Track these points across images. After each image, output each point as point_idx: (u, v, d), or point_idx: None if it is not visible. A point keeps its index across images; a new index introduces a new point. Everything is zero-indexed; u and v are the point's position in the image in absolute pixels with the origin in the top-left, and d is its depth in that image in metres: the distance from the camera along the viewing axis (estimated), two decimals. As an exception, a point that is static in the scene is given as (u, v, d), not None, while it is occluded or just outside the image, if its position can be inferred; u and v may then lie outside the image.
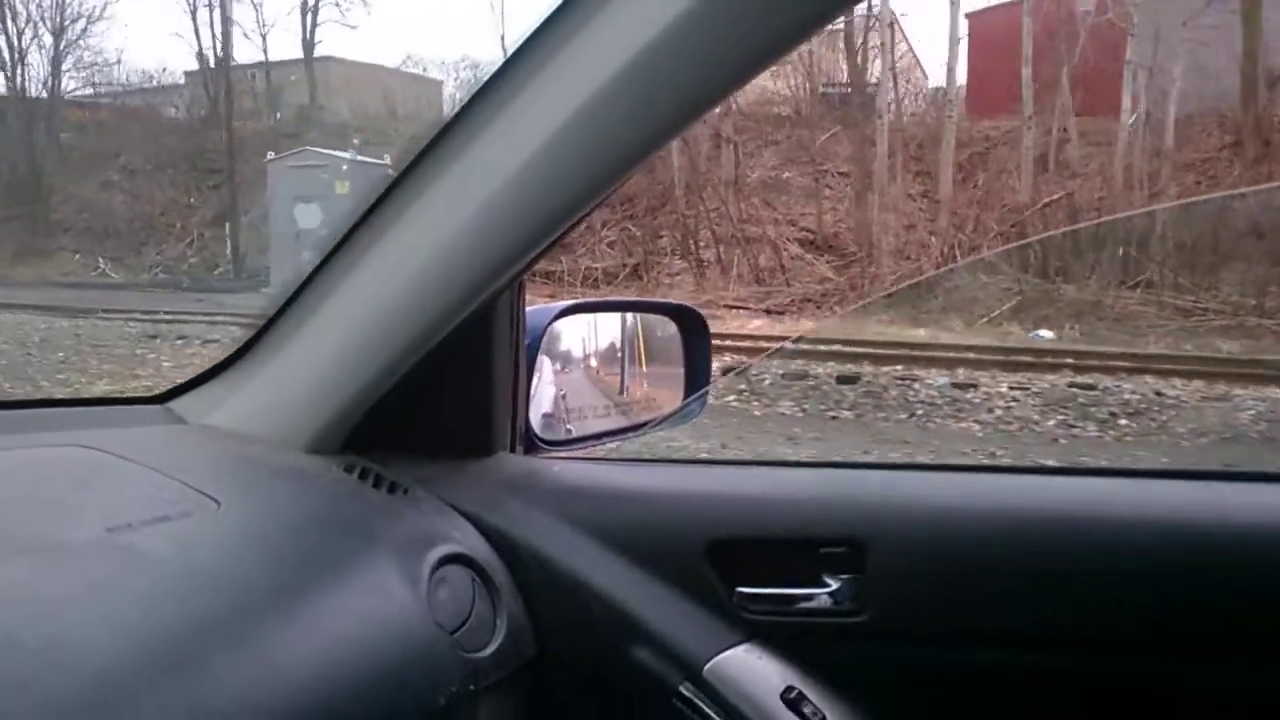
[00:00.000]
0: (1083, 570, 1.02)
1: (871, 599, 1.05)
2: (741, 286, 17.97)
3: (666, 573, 1.08)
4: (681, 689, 1.02)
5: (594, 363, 1.43)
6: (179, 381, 1.20)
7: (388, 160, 17.45)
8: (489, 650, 0.98)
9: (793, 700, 1.02)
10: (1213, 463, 6.41)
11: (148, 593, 0.78)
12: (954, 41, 18.56)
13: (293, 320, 1.09)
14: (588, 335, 1.41)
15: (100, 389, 8.63)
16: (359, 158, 18.65)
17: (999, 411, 7.65)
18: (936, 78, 23.73)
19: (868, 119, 20.36)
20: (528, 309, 1.21)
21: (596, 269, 19.16)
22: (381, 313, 1.03)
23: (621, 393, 1.44)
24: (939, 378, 8.55)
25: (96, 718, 0.67)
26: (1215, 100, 18.00)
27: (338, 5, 39.75)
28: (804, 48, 21.38)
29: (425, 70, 33.69)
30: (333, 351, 1.06)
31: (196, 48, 31.65)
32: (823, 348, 10.01)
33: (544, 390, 1.30)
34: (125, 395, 1.24)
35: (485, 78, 0.94)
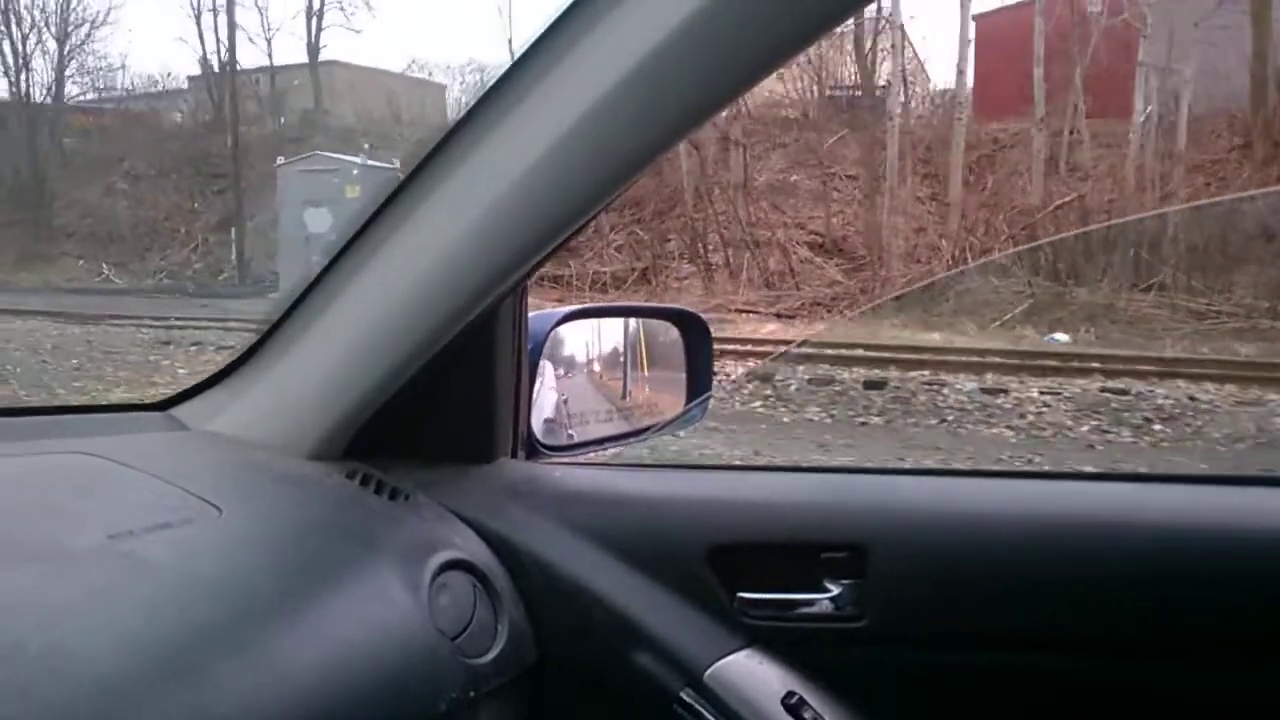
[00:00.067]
0: (1083, 574, 1.01)
1: (872, 604, 1.05)
2: (751, 290, 17.92)
3: (668, 578, 1.08)
4: (682, 695, 1.02)
5: (596, 368, 1.43)
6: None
7: (398, 165, 17.42)
8: (490, 656, 0.98)
9: (794, 706, 1.01)
10: (1251, 468, 6.37)
11: (149, 600, 0.78)
12: (964, 43, 18.49)
13: (295, 327, 1.09)
14: (590, 340, 1.41)
15: (118, 396, 8.56)
16: (370, 162, 18.59)
17: (1031, 417, 7.59)
18: (939, 80, 23.75)
19: (876, 122, 20.32)
20: (530, 314, 1.21)
21: (605, 273, 19.10)
22: (384, 319, 1.02)
23: (624, 398, 1.43)
24: (967, 383, 8.49)
25: None
26: (1225, 101, 17.97)
27: (342, 9, 39.77)
28: (813, 51, 21.38)
29: (431, 75, 33.61)
30: (335, 358, 1.06)
31: (201, 53, 31.53)
32: (829, 351, 9.97)
33: (546, 396, 1.30)
34: (128, 402, 1.25)
35: (491, 82, 0.94)
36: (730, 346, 10.47)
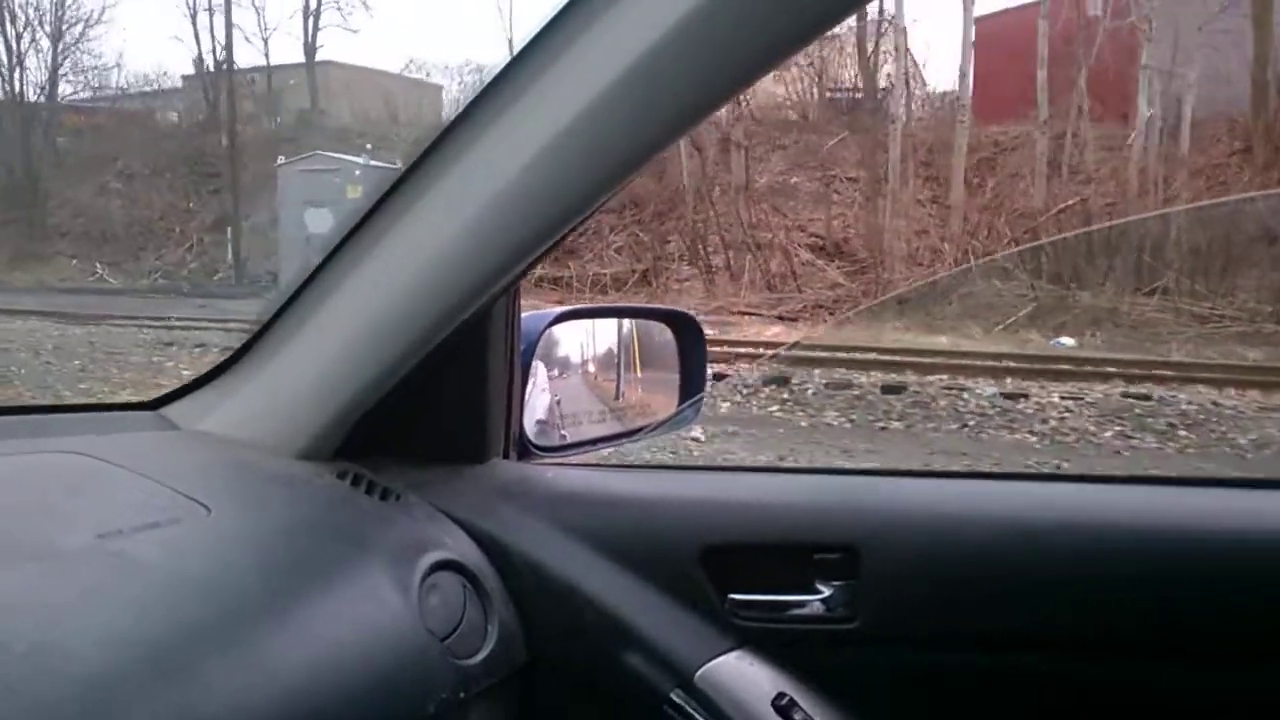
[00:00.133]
0: (1075, 575, 1.01)
1: (864, 605, 1.05)
2: (753, 293, 17.88)
3: (659, 579, 1.07)
4: (673, 696, 1.02)
5: (589, 368, 1.43)
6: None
7: (399, 165, 17.27)
8: (480, 657, 0.97)
9: (784, 707, 1.01)
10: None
11: (138, 599, 0.78)
12: (966, 46, 18.44)
13: (287, 326, 1.08)
14: (582, 341, 1.41)
15: (124, 398, 8.45)
16: (372, 162, 18.49)
17: (1053, 422, 7.52)
18: (935, 82, 23.74)
19: (877, 124, 20.31)
20: (523, 315, 1.21)
21: (605, 275, 19.05)
22: (377, 318, 1.02)
23: (617, 398, 1.43)
24: (986, 387, 8.44)
25: None
26: (1226, 105, 17.99)
27: (339, 9, 39.61)
28: (814, 53, 21.34)
29: (429, 75, 33.49)
30: (327, 357, 1.06)
31: (196, 52, 31.35)
32: (842, 355, 9.93)
33: (538, 396, 1.30)
34: (119, 401, 1.22)
35: (486, 82, 0.93)
36: (743, 350, 10.39)
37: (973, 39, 18.69)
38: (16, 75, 28.39)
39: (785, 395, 8.69)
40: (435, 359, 1.05)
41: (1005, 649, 1.04)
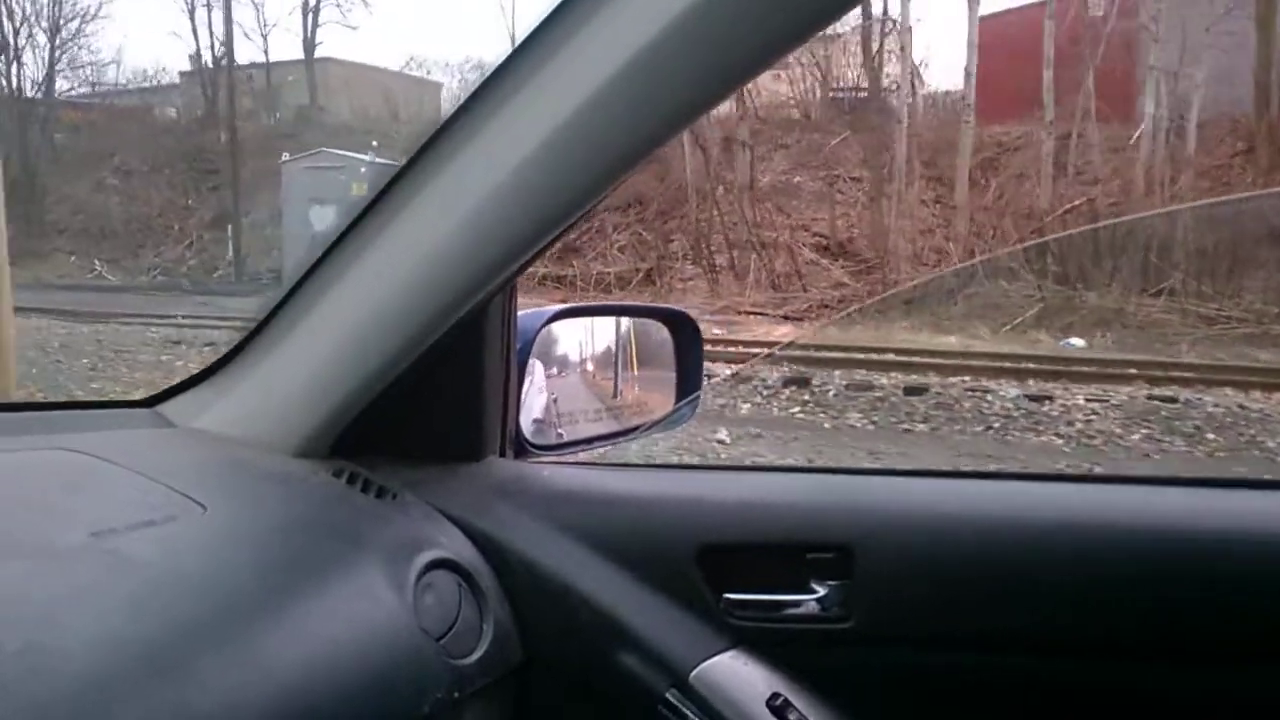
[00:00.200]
0: (1071, 575, 1.01)
1: (859, 605, 1.04)
2: (758, 292, 17.85)
3: (655, 578, 1.07)
4: (668, 695, 1.02)
5: (585, 367, 1.42)
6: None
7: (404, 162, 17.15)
8: (475, 656, 0.97)
9: (779, 707, 1.01)
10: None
11: (133, 597, 0.77)
12: (971, 45, 18.40)
13: (283, 324, 1.08)
14: (579, 339, 1.41)
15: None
16: (377, 160, 18.40)
17: (1079, 425, 7.50)
18: (934, 82, 23.73)
19: (880, 123, 20.29)
20: (519, 313, 1.21)
21: (609, 273, 19.01)
22: (373, 316, 1.02)
23: (615, 397, 1.43)
24: (1010, 389, 8.41)
25: None
26: (1229, 106, 18.02)
27: (339, 6, 39.47)
28: (819, 52, 21.33)
29: (429, 73, 33.48)
30: (322, 355, 1.05)
31: (194, 48, 31.19)
32: (838, 354, 9.89)
33: (535, 394, 1.29)
34: (114, 399, 1.22)
35: (481, 80, 0.93)
36: (755, 350, 10.33)
37: (975, 40, 18.64)
38: (13, 71, 28.31)
39: (806, 397, 8.65)
40: (431, 357, 1.04)
41: (1000, 649, 1.04)
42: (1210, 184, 17.59)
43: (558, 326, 1.33)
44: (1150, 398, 7.98)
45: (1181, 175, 17.37)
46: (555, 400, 1.33)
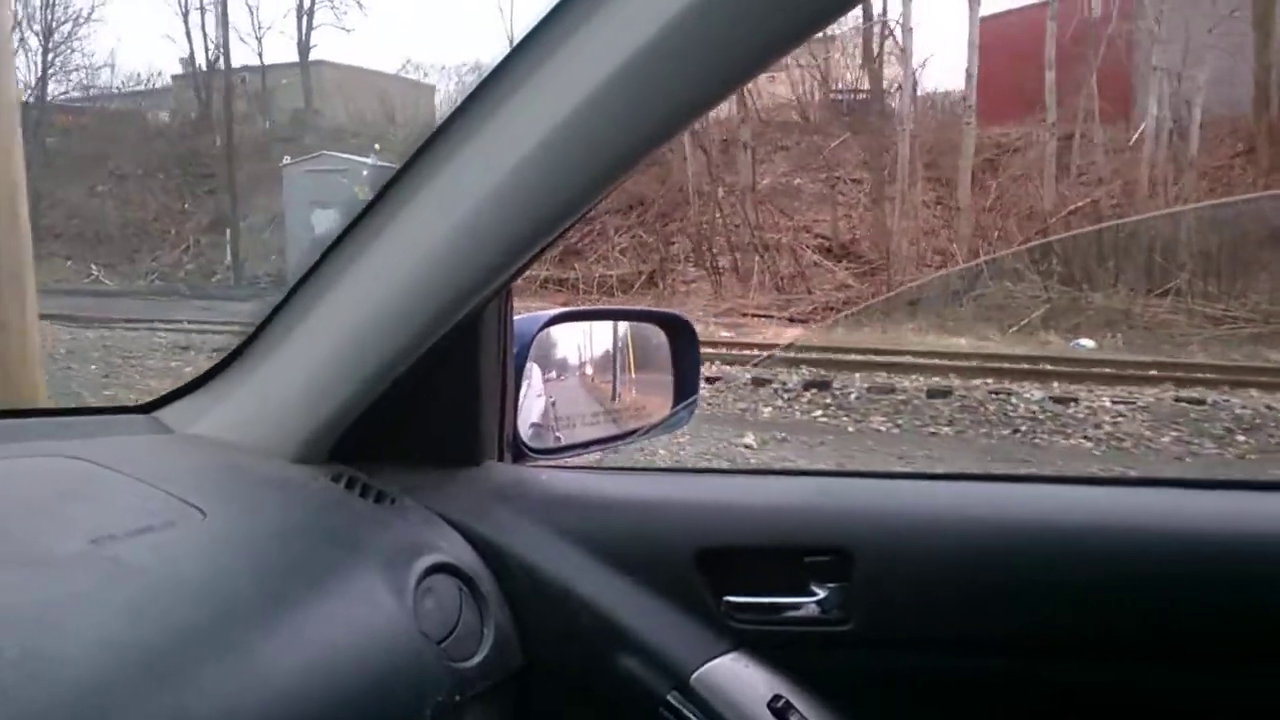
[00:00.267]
0: (1069, 578, 1.01)
1: (858, 608, 1.05)
2: (762, 294, 17.82)
3: (654, 582, 1.07)
4: (669, 698, 1.02)
5: (583, 371, 1.43)
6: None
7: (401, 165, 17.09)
8: (475, 660, 0.97)
9: (780, 709, 1.01)
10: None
11: (132, 603, 0.78)
12: (972, 46, 18.38)
13: (280, 329, 1.08)
14: (577, 343, 1.41)
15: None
16: (380, 163, 18.32)
17: (1107, 427, 7.46)
18: (931, 83, 23.73)
19: (881, 124, 20.27)
20: (515, 317, 1.20)
21: (611, 276, 18.97)
22: (370, 321, 1.02)
23: (613, 400, 1.43)
24: (1034, 391, 8.37)
25: None
26: (1228, 107, 18.04)
27: (333, 9, 39.33)
28: (820, 54, 21.31)
29: (425, 76, 33.31)
30: (320, 360, 1.05)
31: (188, 51, 31.01)
32: (842, 356, 9.84)
33: (532, 399, 1.29)
34: (112, 405, 1.14)
35: (478, 81, 0.92)
36: (765, 353, 10.25)
37: (976, 40, 18.61)
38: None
39: (828, 400, 8.60)
40: (429, 361, 1.04)
41: (999, 651, 1.03)
42: (1211, 185, 17.61)
43: (555, 331, 1.34)
44: (1177, 400, 7.95)
45: (1184, 176, 17.38)
46: (553, 404, 1.34)
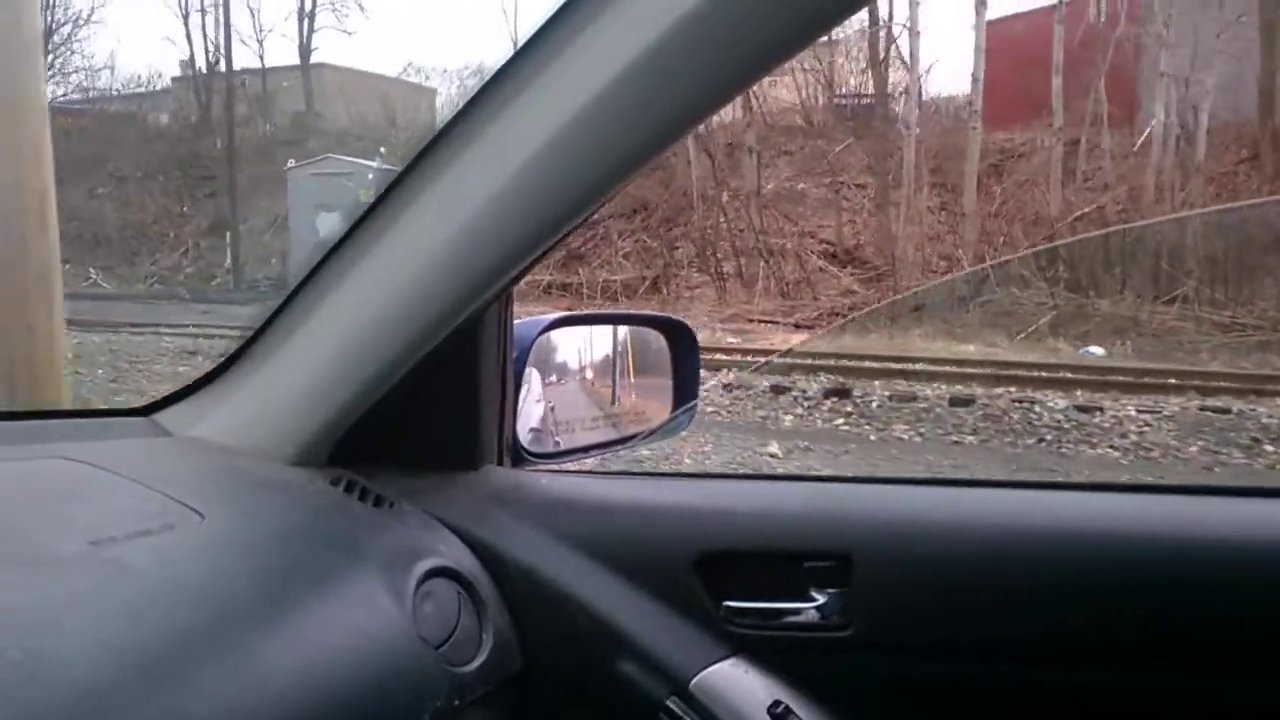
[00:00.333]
0: (1070, 583, 1.00)
1: (858, 613, 1.04)
2: (767, 300, 17.77)
3: (654, 586, 1.07)
4: (668, 703, 1.01)
5: (582, 375, 1.42)
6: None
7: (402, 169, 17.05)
8: (474, 664, 0.97)
9: (779, 715, 1.01)
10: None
11: (131, 605, 0.78)
12: (979, 51, 18.34)
13: (279, 332, 1.08)
14: (577, 347, 1.41)
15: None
16: (385, 166, 18.23)
17: (1133, 436, 7.40)
18: (939, 88, 23.69)
19: (886, 129, 20.25)
20: (515, 321, 1.21)
21: (615, 281, 18.93)
22: (370, 324, 1.02)
23: (612, 404, 1.43)
24: (1058, 400, 8.31)
25: None
26: (1233, 113, 18.04)
27: (334, 11, 39.26)
28: (825, 59, 21.28)
29: (427, 79, 33.21)
30: (319, 364, 1.05)
31: (188, 53, 30.88)
32: (835, 363, 9.76)
33: (532, 403, 1.29)
34: (111, 407, 1.09)
35: (480, 84, 0.92)
36: (801, 360, 10.12)
37: (982, 44, 18.57)
38: (4, 76, 27.93)
39: (849, 408, 8.54)
40: (429, 364, 1.04)
41: (1000, 657, 1.03)
42: (1217, 191, 17.60)
43: (554, 335, 1.34)
44: (1202, 409, 7.89)
45: (1190, 182, 17.37)
46: (552, 408, 1.34)
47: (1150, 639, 0.99)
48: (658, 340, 1.47)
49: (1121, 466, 6.93)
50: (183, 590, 0.82)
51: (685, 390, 1.45)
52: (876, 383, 9.16)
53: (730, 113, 19.28)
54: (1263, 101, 18.01)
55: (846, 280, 18.35)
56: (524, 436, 1.25)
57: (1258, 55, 17.84)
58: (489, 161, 0.92)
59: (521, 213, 0.92)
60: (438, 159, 0.95)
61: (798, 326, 16.30)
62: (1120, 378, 9.18)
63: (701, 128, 17.55)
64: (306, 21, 30.69)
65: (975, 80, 18.41)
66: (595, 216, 1.03)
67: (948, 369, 9.80)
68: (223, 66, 27.62)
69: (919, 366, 9.96)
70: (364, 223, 1.00)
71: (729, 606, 1.06)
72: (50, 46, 28.74)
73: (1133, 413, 7.86)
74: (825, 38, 0.77)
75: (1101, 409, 8.01)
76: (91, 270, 24.13)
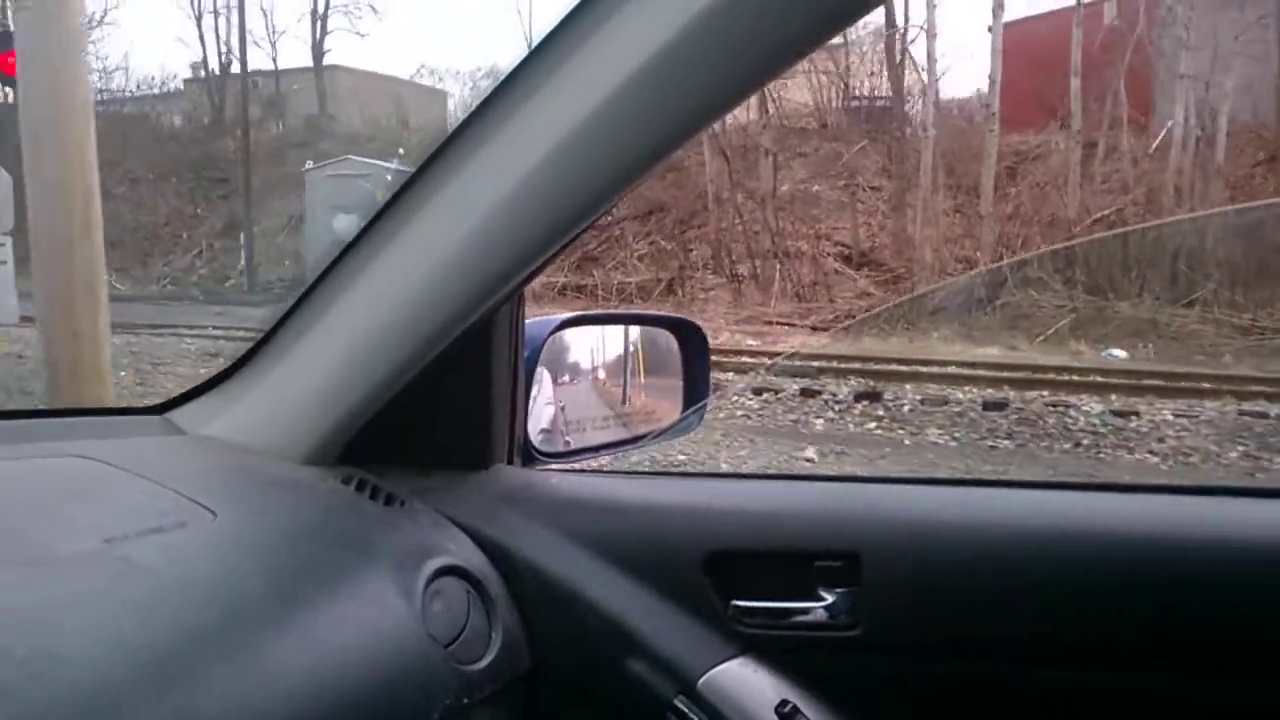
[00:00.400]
0: (1078, 583, 1.00)
1: (866, 612, 1.04)
2: (783, 302, 17.71)
3: (663, 586, 1.07)
4: (676, 702, 1.01)
5: (593, 375, 1.43)
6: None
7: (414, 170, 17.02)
8: (484, 663, 0.98)
9: (787, 714, 1.01)
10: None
11: (141, 603, 0.78)
12: (996, 53, 18.26)
13: (293, 331, 1.08)
14: (587, 347, 1.42)
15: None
16: (402, 167, 18.19)
17: (1171, 441, 7.36)
18: (953, 90, 23.63)
19: (901, 131, 20.19)
20: (527, 321, 1.21)
21: (630, 283, 18.89)
22: (382, 324, 1.02)
23: (623, 404, 1.43)
24: (1094, 404, 8.26)
25: None
26: (1251, 115, 17.98)
27: (347, 14, 39.30)
28: (841, 61, 21.24)
29: (441, 80, 33.27)
30: (332, 362, 1.06)
31: (201, 55, 30.93)
32: (901, 367, 9.70)
33: (542, 403, 1.29)
34: (124, 406, 1.03)
35: (493, 86, 0.92)
36: (831, 364, 10.02)
37: (999, 47, 18.50)
38: (17, 78, 27.97)
39: (880, 412, 8.49)
40: (440, 365, 1.04)
41: (1008, 657, 1.03)
42: (1234, 194, 17.52)
43: (565, 335, 1.34)
44: (1241, 413, 7.84)
45: (1210, 185, 17.29)
46: (563, 408, 1.35)
47: (1165, 640, 0.99)
48: (669, 340, 1.47)
49: (1161, 472, 6.88)
50: (194, 588, 0.83)
51: (696, 390, 1.45)
52: (907, 386, 9.11)
53: (745, 114, 19.24)
54: (1280, 105, 17.96)
55: (862, 283, 18.29)
56: (534, 436, 1.25)
57: (1277, 58, 17.77)
58: (501, 163, 0.92)
59: (533, 214, 0.93)
60: (450, 160, 0.95)
61: (814, 329, 16.23)
62: (1154, 381, 9.11)
63: (717, 129, 17.57)
64: (319, 23, 30.78)
65: (992, 82, 18.30)
66: (610, 218, 1.02)
67: (979, 372, 9.74)
68: (236, 68, 27.65)
69: (949, 370, 9.91)
70: (377, 224, 1.01)
71: (738, 606, 1.07)
72: (64, 48, 28.85)
73: (1169, 417, 7.81)
74: (840, 39, 0.74)
75: (1137, 413, 7.96)
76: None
